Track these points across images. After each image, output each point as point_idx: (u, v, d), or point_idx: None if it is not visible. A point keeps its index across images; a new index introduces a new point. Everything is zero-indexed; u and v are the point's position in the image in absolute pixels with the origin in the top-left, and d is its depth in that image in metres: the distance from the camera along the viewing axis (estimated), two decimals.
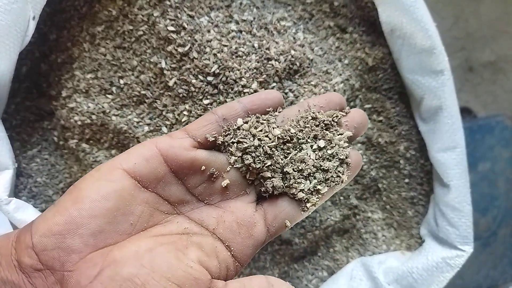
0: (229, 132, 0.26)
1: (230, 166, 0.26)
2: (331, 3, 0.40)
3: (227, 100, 0.34)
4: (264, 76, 0.34)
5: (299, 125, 0.27)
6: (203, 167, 0.26)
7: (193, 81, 0.34)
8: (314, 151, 0.27)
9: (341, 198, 0.41)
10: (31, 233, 0.23)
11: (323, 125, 0.27)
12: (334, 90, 0.37)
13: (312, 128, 0.27)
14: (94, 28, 0.37)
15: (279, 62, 0.35)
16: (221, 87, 0.34)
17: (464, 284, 0.75)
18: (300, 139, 0.27)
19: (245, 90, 0.34)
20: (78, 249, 0.22)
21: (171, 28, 0.34)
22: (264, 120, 0.27)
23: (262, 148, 0.26)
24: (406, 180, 0.42)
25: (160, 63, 0.35)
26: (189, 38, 0.34)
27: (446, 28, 1.09)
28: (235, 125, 0.26)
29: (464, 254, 0.37)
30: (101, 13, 0.37)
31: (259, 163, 0.26)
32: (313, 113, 0.28)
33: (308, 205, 0.27)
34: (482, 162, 0.74)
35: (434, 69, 0.36)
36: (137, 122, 0.37)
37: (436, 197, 0.39)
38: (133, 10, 0.35)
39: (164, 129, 0.36)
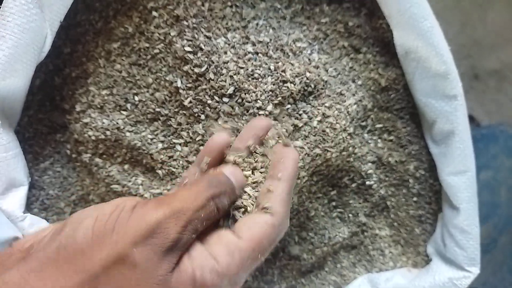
0: None
1: None
2: (345, 23, 0.40)
3: (242, 121, 0.34)
4: (280, 98, 0.35)
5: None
6: None
7: (209, 101, 0.34)
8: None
9: (350, 215, 0.42)
10: None
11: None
12: (348, 112, 0.37)
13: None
14: (110, 45, 0.37)
15: (294, 85, 0.35)
16: (237, 108, 0.34)
17: None
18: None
19: (260, 112, 0.34)
20: None
21: (188, 49, 0.34)
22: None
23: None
24: (415, 199, 0.43)
25: (176, 82, 0.35)
26: (205, 59, 0.34)
27: (453, 35, 1.09)
28: None
29: (471, 275, 0.38)
30: (117, 30, 0.37)
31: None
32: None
33: None
34: (484, 171, 0.74)
35: (447, 94, 0.36)
36: (151, 139, 0.37)
37: (445, 219, 0.40)
38: (150, 28, 0.36)
39: (178, 147, 0.36)
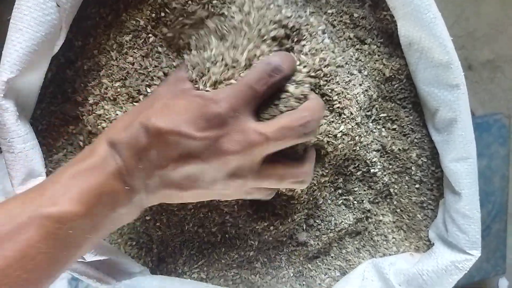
0: None
1: None
2: (351, 14, 0.41)
3: None
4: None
5: None
6: None
7: None
8: None
9: (355, 202, 0.43)
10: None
11: None
12: (356, 101, 0.38)
13: None
14: (121, 37, 0.38)
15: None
16: None
17: None
18: None
19: None
20: None
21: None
22: None
23: None
24: (417, 186, 0.44)
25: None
26: None
27: (447, 26, 1.11)
28: None
29: (472, 258, 0.40)
30: (129, 23, 0.38)
31: None
32: None
33: None
34: (479, 159, 0.76)
35: (450, 83, 0.37)
36: None
37: (447, 204, 0.41)
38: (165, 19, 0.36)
39: None
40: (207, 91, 0.30)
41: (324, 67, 0.35)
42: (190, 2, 0.36)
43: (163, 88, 0.33)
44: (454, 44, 0.37)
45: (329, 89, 0.37)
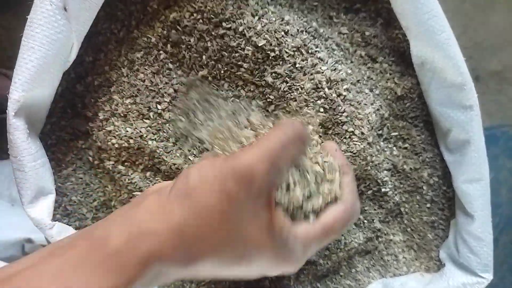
0: None
1: None
2: (362, 32, 0.41)
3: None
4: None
5: None
6: None
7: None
8: None
9: (365, 221, 0.43)
10: None
11: None
12: (368, 121, 0.38)
13: None
14: (133, 54, 0.38)
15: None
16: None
17: None
18: None
19: None
20: None
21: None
22: None
23: None
24: (428, 205, 0.44)
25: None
26: None
27: (455, 37, 1.11)
28: None
29: (485, 281, 0.39)
30: (140, 39, 0.38)
31: None
32: None
33: None
34: None
35: (463, 104, 0.37)
36: (172, 149, 0.38)
37: (459, 225, 0.41)
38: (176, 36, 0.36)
39: (195, 159, 0.37)
40: None
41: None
42: (201, 21, 0.35)
43: None
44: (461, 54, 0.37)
45: (340, 111, 0.37)
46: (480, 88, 1.08)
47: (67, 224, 0.39)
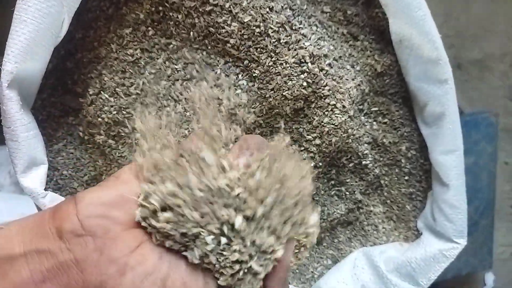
0: None
1: None
2: (344, 11, 0.42)
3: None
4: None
5: None
6: None
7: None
8: None
9: (347, 193, 0.45)
10: (75, 202, 0.23)
11: None
12: (349, 95, 0.39)
13: None
14: (122, 30, 0.39)
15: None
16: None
17: (445, 269, 0.80)
18: None
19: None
20: (123, 222, 0.23)
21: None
22: None
23: None
24: (406, 178, 0.46)
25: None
26: None
27: (437, 25, 1.13)
28: None
29: (459, 246, 0.41)
30: (129, 16, 0.39)
31: None
32: None
33: None
34: (467, 156, 0.78)
35: (439, 78, 0.39)
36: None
37: (435, 195, 0.43)
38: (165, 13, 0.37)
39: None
40: None
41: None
42: None
43: None
44: (443, 43, 0.38)
45: (323, 85, 0.38)
46: (462, 76, 1.10)
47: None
